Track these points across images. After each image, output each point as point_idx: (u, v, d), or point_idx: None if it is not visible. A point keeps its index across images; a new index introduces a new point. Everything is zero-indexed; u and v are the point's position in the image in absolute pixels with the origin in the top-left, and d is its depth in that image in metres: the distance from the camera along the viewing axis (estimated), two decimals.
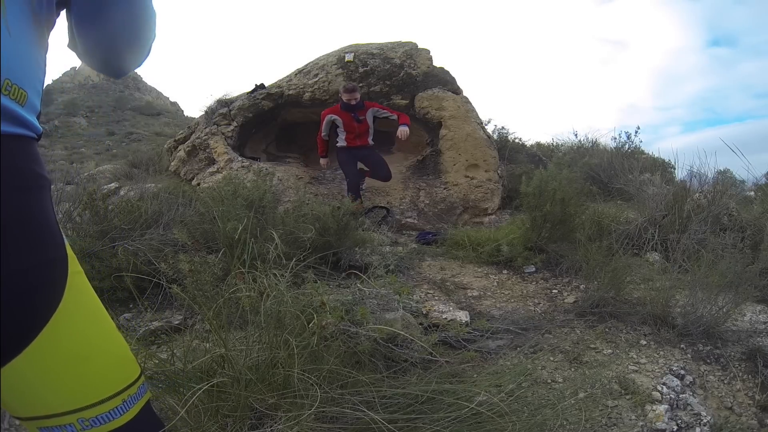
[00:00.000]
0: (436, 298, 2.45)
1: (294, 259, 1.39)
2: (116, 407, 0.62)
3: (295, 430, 0.94)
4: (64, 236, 0.60)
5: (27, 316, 0.54)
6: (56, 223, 0.59)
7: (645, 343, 2.02)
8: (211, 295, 1.39)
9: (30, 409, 0.59)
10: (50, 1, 0.59)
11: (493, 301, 2.58)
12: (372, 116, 4.35)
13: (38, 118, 0.58)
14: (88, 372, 0.61)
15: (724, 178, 4.66)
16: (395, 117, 4.34)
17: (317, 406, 0.93)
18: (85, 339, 0.61)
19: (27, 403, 0.59)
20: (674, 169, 5.00)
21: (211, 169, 4.93)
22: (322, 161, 4.57)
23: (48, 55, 0.61)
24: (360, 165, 4.49)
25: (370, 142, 4.40)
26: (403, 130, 4.13)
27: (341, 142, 4.33)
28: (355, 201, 3.64)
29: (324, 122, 4.32)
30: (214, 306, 1.19)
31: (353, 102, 4.23)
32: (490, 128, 5.88)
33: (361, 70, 4.84)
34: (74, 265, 0.61)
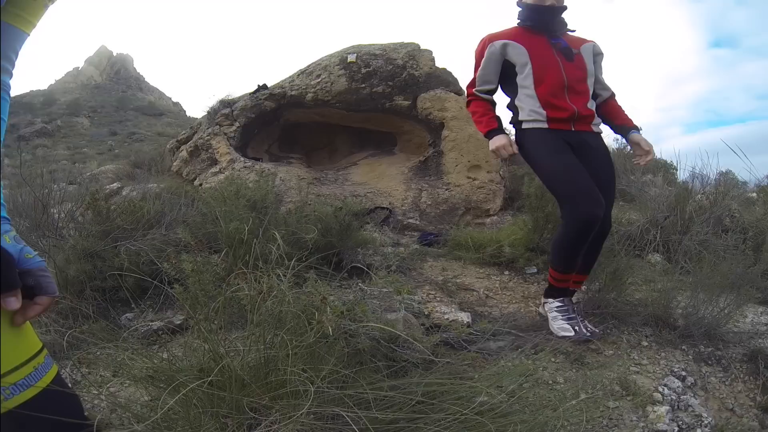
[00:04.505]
0: (438, 299, 2.45)
1: (294, 259, 1.39)
2: (30, 374, 0.68)
3: (295, 427, 0.94)
4: None
5: None
6: None
7: (646, 344, 2.02)
8: (214, 295, 1.39)
9: None
10: None
11: (495, 302, 2.58)
12: (592, 57, 2.01)
13: None
14: None
15: (726, 179, 4.66)
16: (611, 94, 2.07)
17: (313, 403, 0.93)
18: None
19: None
20: (676, 170, 4.99)
21: (213, 170, 4.94)
22: (499, 141, 1.93)
23: None
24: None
25: (595, 113, 1.98)
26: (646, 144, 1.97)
27: (525, 114, 1.94)
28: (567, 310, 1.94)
29: (484, 58, 1.99)
30: (212, 306, 1.20)
31: (557, 4, 1.94)
32: None
33: (363, 70, 4.85)
34: None
